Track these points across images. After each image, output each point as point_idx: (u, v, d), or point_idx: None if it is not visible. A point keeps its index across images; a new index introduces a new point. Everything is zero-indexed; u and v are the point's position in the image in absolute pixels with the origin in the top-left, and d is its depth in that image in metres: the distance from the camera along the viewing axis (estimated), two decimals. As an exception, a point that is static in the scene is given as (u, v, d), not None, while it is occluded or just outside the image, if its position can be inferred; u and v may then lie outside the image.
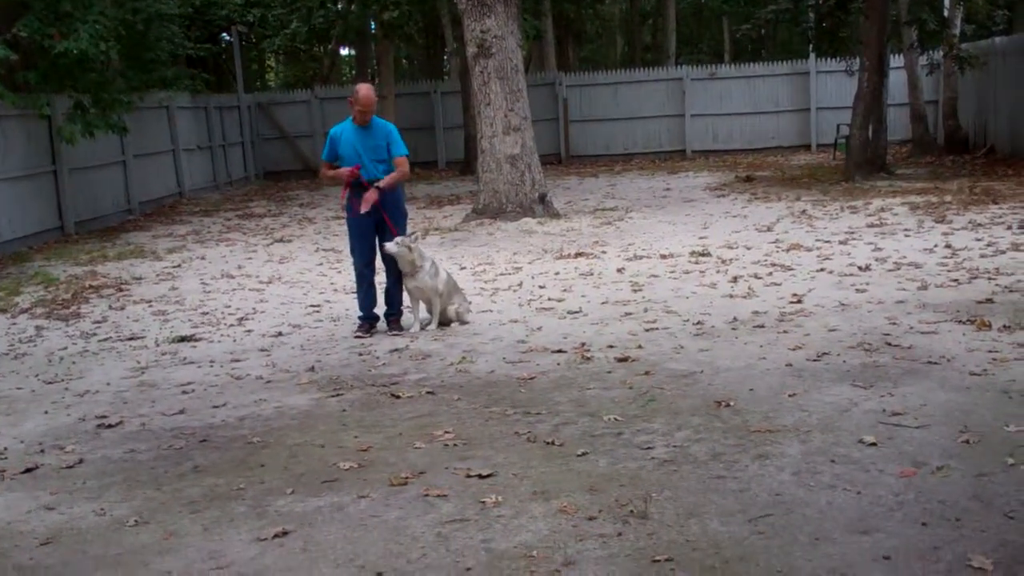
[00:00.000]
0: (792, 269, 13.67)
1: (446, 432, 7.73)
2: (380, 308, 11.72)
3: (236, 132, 34.45)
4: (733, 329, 10.56)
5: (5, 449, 8.07)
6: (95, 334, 12.28)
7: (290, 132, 36.33)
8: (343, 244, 15.74)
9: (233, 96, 35.60)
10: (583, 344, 10.26)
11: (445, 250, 16.93)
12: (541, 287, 13.55)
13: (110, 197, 24.64)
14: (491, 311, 12.25)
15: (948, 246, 14.62)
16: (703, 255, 15.16)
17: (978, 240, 14.93)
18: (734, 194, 23.75)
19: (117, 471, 7.41)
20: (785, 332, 10.26)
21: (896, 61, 30.94)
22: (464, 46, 21.82)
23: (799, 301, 11.66)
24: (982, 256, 13.69)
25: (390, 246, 11.24)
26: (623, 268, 14.58)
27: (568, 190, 26.89)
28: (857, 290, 12.06)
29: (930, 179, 23.95)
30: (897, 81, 31.28)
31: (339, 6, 34.36)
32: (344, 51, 52.51)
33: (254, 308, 13.35)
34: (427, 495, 6.47)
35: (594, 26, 54.55)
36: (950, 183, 22.59)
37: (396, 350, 10.60)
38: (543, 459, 7.03)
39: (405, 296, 11.66)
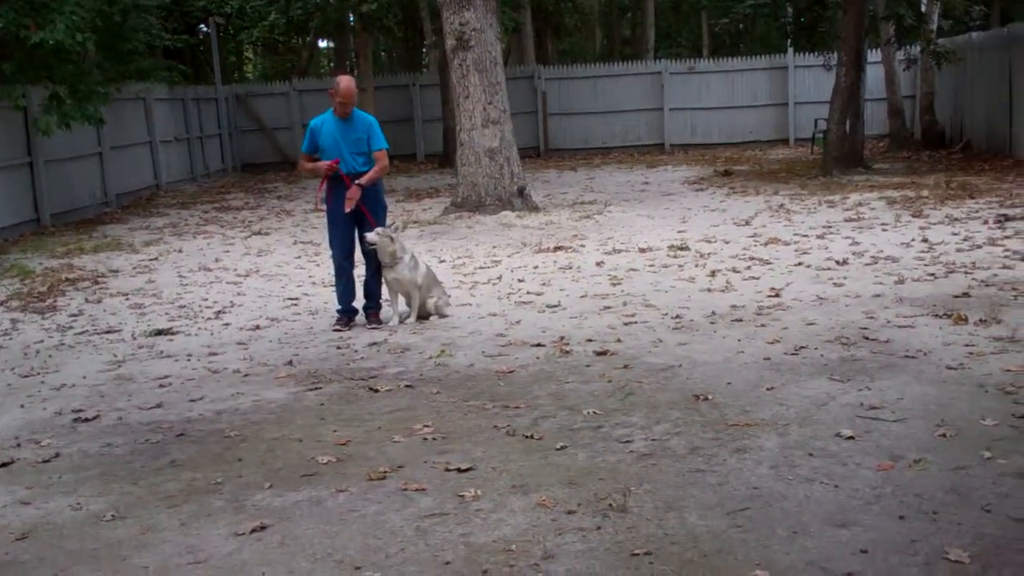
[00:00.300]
0: (770, 263, 13.69)
1: (425, 426, 7.72)
2: (359, 301, 11.70)
3: (214, 124, 34.35)
4: (711, 323, 10.57)
5: (-19, 443, 8.04)
6: (71, 327, 12.23)
7: (268, 124, 36.24)
8: (321, 237, 15.73)
9: (211, 88, 35.48)
10: (562, 338, 10.26)
11: (424, 243, 16.92)
12: (520, 281, 13.55)
13: (86, 189, 24.54)
14: (470, 305, 12.24)
15: (925, 240, 14.67)
16: (682, 249, 15.18)
17: (955, 234, 14.99)
18: (712, 188, 23.80)
19: (93, 465, 7.38)
20: (763, 326, 10.28)
21: (874, 56, 31.02)
22: (443, 39, 21.80)
23: (777, 295, 11.68)
24: (958, 250, 13.74)
25: (371, 236, 11.23)
26: (602, 262, 14.59)
27: (547, 183, 26.89)
28: (835, 284, 12.09)
29: (907, 174, 24.03)
30: (874, 76, 31.37)
31: (317, -2, 34.32)
32: (323, 43, 52.40)
33: (232, 301, 13.31)
34: (406, 489, 6.47)
35: (573, 19, 54.51)
36: (927, 178, 22.66)
37: (375, 344, 10.58)
38: (522, 453, 7.03)
39: (384, 290, 11.64)
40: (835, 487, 6.11)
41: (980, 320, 9.86)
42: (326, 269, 13.70)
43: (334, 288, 11.88)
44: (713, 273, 13.22)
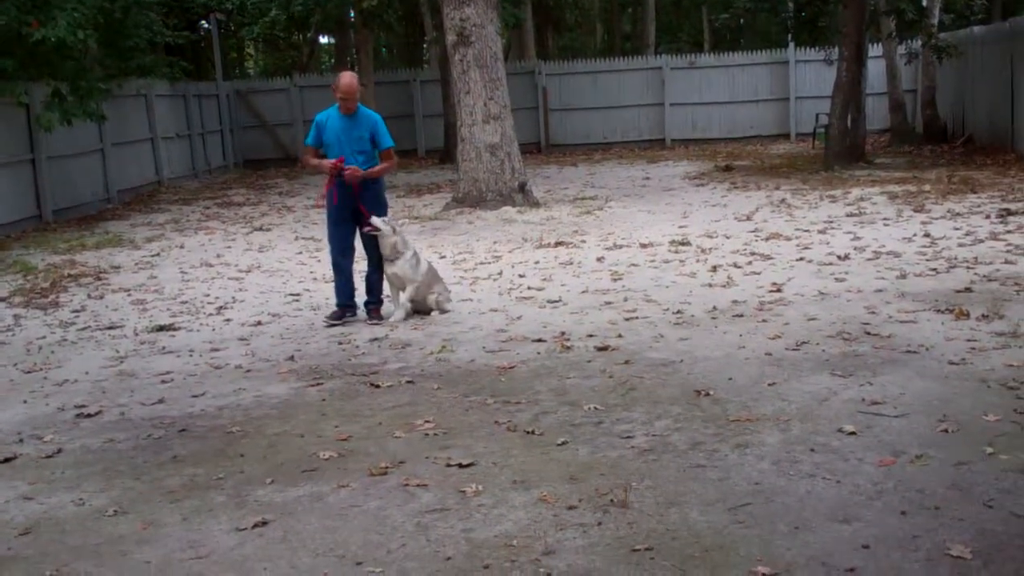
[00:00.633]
0: (771, 258, 13.68)
1: (426, 421, 7.73)
2: (360, 297, 11.70)
3: (215, 120, 34.30)
4: (713, 318, 10.57)
5: (-17, 439, 8.05)
6: (74, 323, 12.23)
7: (269, 120, 36.22)
8: (322, 232, 15.73)
9: (212, 84, 35.45)
10: (563, 333, 10.26)
11: (425, 239, 16.91)
12: (521, 276, 13.55)
13: (88, 185, 24.52)
14: (471, 300, 12.24)
15: (927, 235, 14.67)
16: (683, 244, 15.17)
17: (957, 229, 14.98)
18: (713, 183, 23.78)
19: (96, 461, 7.39)
20: (764, 321, 10.28)
21: (875, 50, 31.00)
22: (444, 34, 21.81)
23: (778, 290, 11.68)
24: (960, 245, 13.73)
25: (376, 220, 11.23)
26: (603, 257, 14.59)
27: (548, 179, 26.88)
28: (836, 279, 12.09)
29: (909, 168, 24.02)
30: (876, 70, 31.35)
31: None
32: (323, 39, 52.38)
33: (233, 297, 13.31)
34: (407, 485, 6.47)
35: (573, 14, 54.51)
36: (929, 172, 22.66)
37: (376, 339, 10.59)
38: (523, 448, 7.04)
39: (385, 286, 11.64)
40: (837, 483, 6.11)
41: (982, 315, 9.86)
42: (327, 265, 13.68)
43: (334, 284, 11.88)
44: (714, 268, 13.22)
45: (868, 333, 9.53)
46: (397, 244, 11.28)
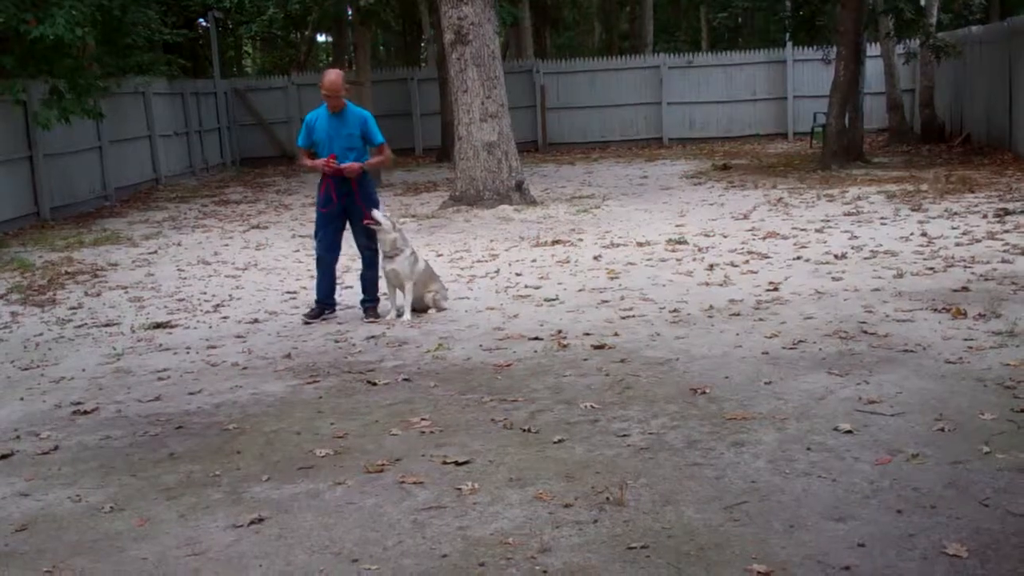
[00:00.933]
0: (768, 257, 13.69)
1: (422, 419, 7.73)
2: (356, 296, 11.72)
3: (212, 118, 34.30)
4: (709, 317, 10.58)
5: (-20, 435, 8.05)
6: (71, 320, 12.24)
7: (266, 118, 36.22)
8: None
9: (209, 82, 35.43)
10: (559, 331, 10.26)
11: (422, 237, 16.91)
12: (518, 274, 13.55)
13: (86, 183, 24.51)
14: (468, 298, 12.25)
15: (924, 234, 14.67)
16: (680, 243, 15.17)
17: (954, 228, 14.99)
18: (711, 182, 23.78)
19: (92, 457, 7.39)
20: (761, 320, 10.28)
21: (873, 50, 31.01)
22: (441, 33, 21.80)
23: (775, 289, 11.68)
24: (958, 244, 13.74)
25: (378, 214, 11.26)
26: (600, 256, 14.59)
27: (545, 177, 26.88)
28: (833, 278, 12.09)
29: (906, 168, 24.03)
30: (874, 70, 31.35)
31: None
32: (321, 37, 52.33)
33: (230, 295, 13.31)
34: (403, 482, 6.48)
35: (571, 13, 54.51)
36: (926, 172, 22.67)
37: (372, 337, 10.59)
38: (519, 446, 7.04)
39: (382, 284, 11.64)
40: (833, 481, 6.12)
41: (979, 314, 9.87)
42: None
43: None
44: (711, 267, 13.22)
45: (865, 332, 9.54)
46: (396, 241, 11.29)
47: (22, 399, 9.03)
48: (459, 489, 6.30)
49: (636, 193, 22.64)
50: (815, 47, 31.66)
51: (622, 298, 11.71)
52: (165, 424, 8.06)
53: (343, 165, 11.23)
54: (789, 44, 34.54)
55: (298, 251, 16.73)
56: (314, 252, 11.99)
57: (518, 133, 24.10)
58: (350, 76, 34.85)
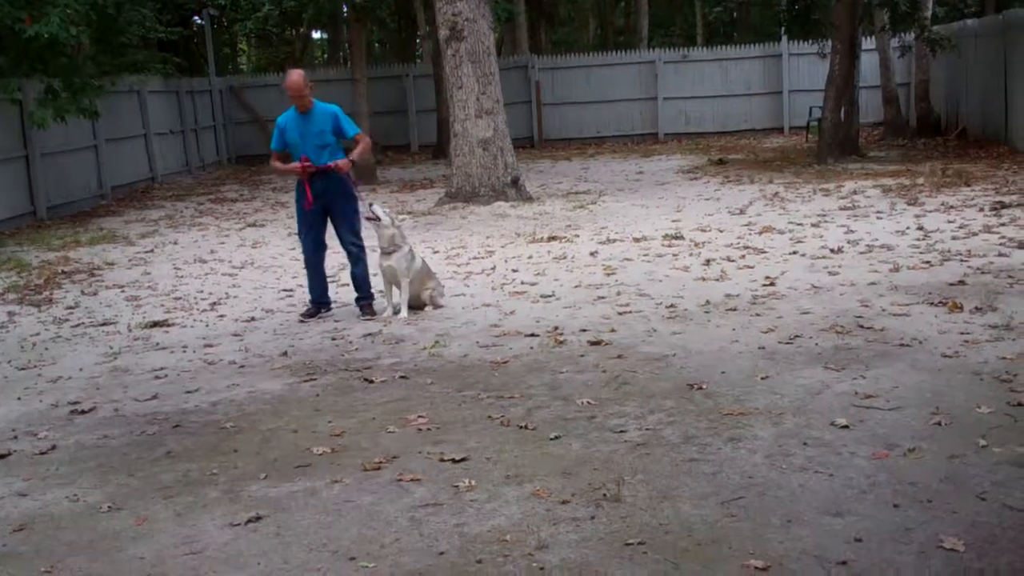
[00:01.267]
0: (765, 252, 13.70)
1: (419, 416, 7.74)
2: (353, 293, 11.72)
3: (208, 116, 34.29)
4: (706, 312, 10.58)
5: (-23, 436, 8.06)
6: (68, 319, 12.24)
7: (262, 116, 36.17)
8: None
9: (205, 80, 35.39)
10: (556, 328, 10.27)
11: (418, 234, 16.90)
12: (514, 271, 13.55)
13: (82, 182, 24.51)
14: (464, 295, 12.25)
15: (920, 228, 14.68)
16: (676, 238, 15.18)
17: (950, 222, 15.00)
18: (707, 177, 23.78)
19: (90, 457, 7.40)
20: (757, 315, 10.29)
21: (868, 43, 30.94)
22: (436, 29, 21.79)
23: (772, 284, 11.69)
24: (954, 238, 13.75)
25: (378, 209, 11.29)
26: (596, 252, 14.60)
27: (541, 173, 26.88)
28: (829, 273, 12.10)
29: (902, 161, 24.03)
30: (869, 63, 31.30)
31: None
32: (316, 34, 52.35)
33: (227, 293, 13.32)
34: (400, 480, 6.48)
35: (566, 9, 54.49)
36: (922, 165, 22.67)
37: (369, 335, 10.59)
38: (516, 443, 7.05)
39: (379, 281, 11.64)
40: (829, 476, 6.13)
41: (975, 308, 9.88)
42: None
43: (330, 280, 11.90)
44: (707, 262, 13.23)
45: (861, 326, 9.55)
46: (395, 237, 11.31)
47: (19, 399, 9.04)
48: (456, 486, 6.31)
49: (632, 189, 22.64)
50: (810, 41, 31.63)
51: (618, 294, 11.72)
52: (162, 423, 8.06)
53: (337, 162, 11.23)
54: (784, 38, 34.52)
55: (294, 248, 16.67)
56: (302, 253, 11.98)
57: (514, 129, 24.11)
58: (345, 73, 34.95)
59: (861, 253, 13.20)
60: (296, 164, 11.27)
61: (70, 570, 5.58)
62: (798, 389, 7.83)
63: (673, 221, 17.08)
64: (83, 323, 12.01)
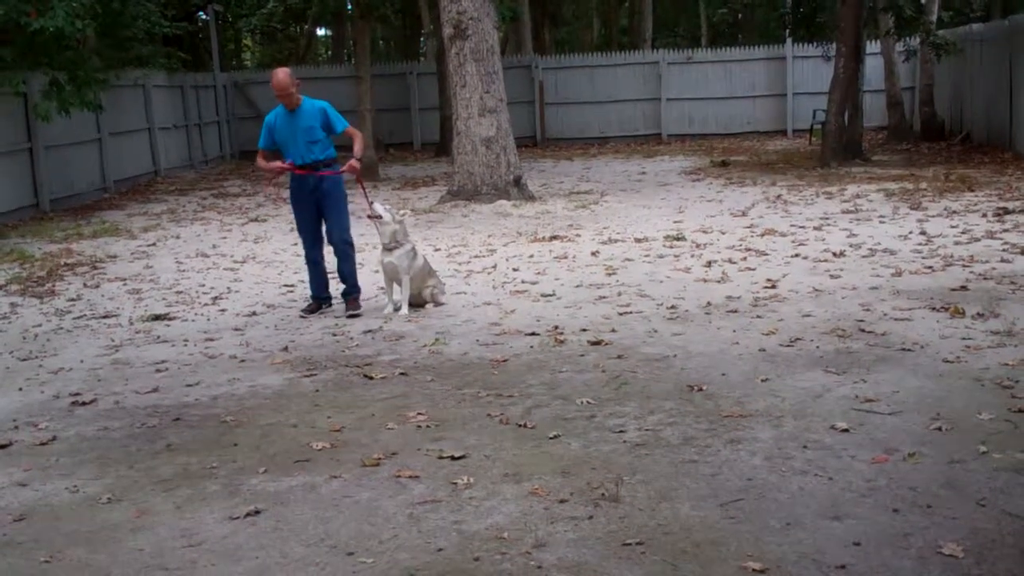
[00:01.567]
0: (767, 254, 13.69)
1: (419, 413, 7.74)
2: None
3: (212, 111, 34.33)
4: (707, 314, 10.58)
5: (-23, 426, 8.06)
6: (70, 311, 12.24)
7: (265, 112, 36.14)
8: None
9: (209, 75, 35.41)
10: (556, 327, 10.27)
11: (420, 231, 16.90)
12: (515, 270, 13.55)
13: (85, 175, 24.53)
14: (465, 293, 12.25)
15: (923, 233, 14.68)
16: (678, 239, 15.17)
17: (953, 227, 14.99)
18: (709, 179, 23.78)
19: (90, 448, 7.40)
20: (759, 317, 10.29)
21: (873, 47, 31.02)
22: (441, 27, 21.79)
23: (773, 286, 11.69)
24: (957, 243, 13.74)
25: (379, 207, 11.30)
26: (597, 251, 14.59)
27: (543, 173, 26.88)
28: (831, 276, 12.10)
29: (906, 166, 24.04)
30: (874, 67, 31.36)
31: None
32: (321, 31, 52.37)
33: (228, 287, 13.32)
34: (399, 476, 6.48)
35: (571, 9, 54.49)
36: (926, 170, 22.67)
37: (370, 331, 10.60)
38: (515, 441, 7.05)
39: (380, 278, 11.64)
40: (829, 479, 6.12)
41: (977, 314, 9.87)
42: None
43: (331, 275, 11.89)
44: (709, 264, 13.22)
45: (863, 330, 9.54)
46: (397, 233, 11.31)
47: (21, 389, 9.04)
48: (455, 484, 6.31)
49: (634, 189, 22.64)
50: (815, 44, 31.62)
51: (619, 294, 11.72)
52: (163, 416, 8.06)
53: (350, 164, 11.26)
54: (789, 40, 34.48)
55: (296, 244, 16.57)
56: (302, 251, 11.98)
57: (516, 128, 24.11)
58: (349, 70, 34.93)
59: (863, 257, 13.20)
60: (277, 163, 11.29)
61: (69, 560, 5.59)
62: (798, 392, 7.83)
63: (675, 222, 17.08)
64: (85, 315, 12.02)
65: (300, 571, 5.34)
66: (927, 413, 7.20)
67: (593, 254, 14.42)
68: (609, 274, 12.91)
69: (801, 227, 15.81)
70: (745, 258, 13.50)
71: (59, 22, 18.99)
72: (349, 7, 34.07)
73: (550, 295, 11.86)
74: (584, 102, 36.21)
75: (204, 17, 39.85)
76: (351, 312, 11.39)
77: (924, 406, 7.36)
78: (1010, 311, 9.95)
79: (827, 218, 16.59)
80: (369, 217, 11.42)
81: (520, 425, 7.37)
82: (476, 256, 14.80)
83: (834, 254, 13.42)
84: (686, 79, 35.97)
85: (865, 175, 22.31)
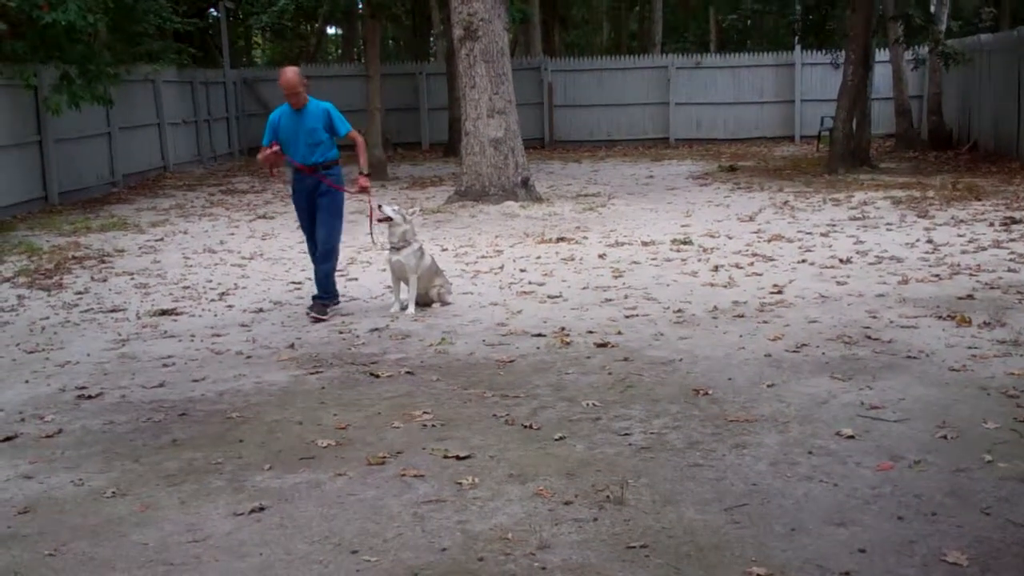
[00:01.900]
0: (773, 260, 13.69)
1: (424, 413, 7.75)
2: (361, 286, 11.74)
3: (221, 107, 34.34)
4: (713, 318, 10.58)
5: (-17, 418, 8.08)
6: (77, 305, 12.26)
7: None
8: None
9: (219, 72, 35.43)
10: (563, 329, 10.27)
11: (427, 231, 16.91)
12: (522, 271, 13.56)
13: (95, 169, 24.57)
14: (472, 293, 12.25)
15: (930, 241, 14.67)
16: (685, 243, 15.17)
17: (960, 236, 14.98)
18: (717, 183, 23.78)
19: (96, 442, 7.41)
20: (765, 322, 10.29)
21: (882, 55, 31.00)
22: (451, 28, 21.81)
23: (780, 292, 11.68)
24: (963, 252, 13.74)
25: (387, 208, 11.31)
26: (604, 254, 14.59)
27: (551, 175, 26.89)
28: (838, 283, 12.09)
29: (913, 174, 24.01)
30: (882, 75, 31.35)
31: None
32: (331, 30, 52.39)
33: (235, 283, 13.33)
34: (404, 475, 6.49)
35: (580, 12, 54.52)
36: (933, 178, 22.64)
37: (376, 329, 10.60)
38: (520, 442, 7.05)
39: (388, 276, 11.64)
40: (834, 486, 6.13)
41: (984, 323, 9.87)
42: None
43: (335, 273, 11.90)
44: (716, 268, 13.23)
45: (869, 337, 9.54)
46: (406, 233, 11.31)
47: (27, 382, 9.06)
48: (459, 483, 6.32)
49: (642, 192, 22.64)
50: (824, 51, 31.65)
51: (626, 297, 11.72)
52: (168, 411, 8.08)
53: (359, 185, 11.32)
54: (798, 47, 34.52)
55: (303, 241, 16.64)
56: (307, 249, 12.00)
57: (525, 130, 24.13)
58: (359, 69, 34.94)
59: (870, 264, 13.20)
60: (268, 151, 11.31)
61: (73, 554, 5.60)
62: (804, 398, 7.83)
63: (682, 226, 17.08)
64: (92, 309, 12.03)
65: (304, 568, 5.35)
66: (933, 421, 7.21)
67: (600, 256, 14.42)
68: (616, 277, 12.91)
69: (808, 233, 15.81)
70: (752, 263, 13.50)
71: (71, 16, 19.05)
72: (360, 6, 34.09)
73: (557, 296, 11.87)
74: (593, 105, 36.23)
75: (215, 14, 39.89)
76: (314, 316, 11.16)
77: (930, 414, 7.37)
78: (1016, 321, 9.94)
79: (834, 225, 16.59)
80: (378, 220, 11.43)
81: (525, 426, 7.38)
82: (483, 256, 14.80)
83: (841, 261, 13.41)
84: (695, 84, 35.98)
85: (872, 182, 22.29)
